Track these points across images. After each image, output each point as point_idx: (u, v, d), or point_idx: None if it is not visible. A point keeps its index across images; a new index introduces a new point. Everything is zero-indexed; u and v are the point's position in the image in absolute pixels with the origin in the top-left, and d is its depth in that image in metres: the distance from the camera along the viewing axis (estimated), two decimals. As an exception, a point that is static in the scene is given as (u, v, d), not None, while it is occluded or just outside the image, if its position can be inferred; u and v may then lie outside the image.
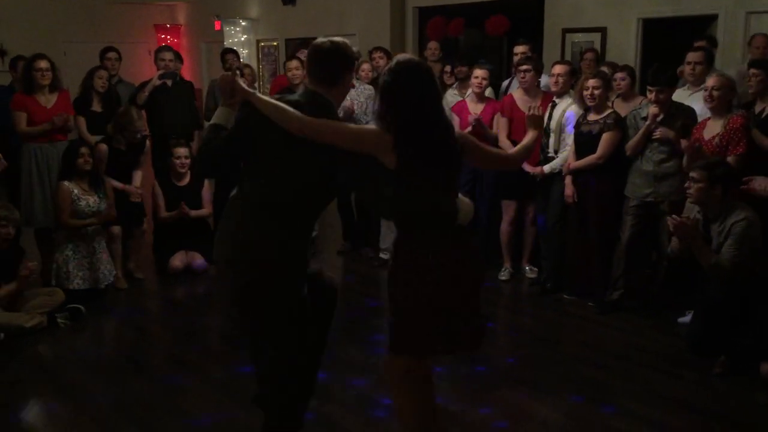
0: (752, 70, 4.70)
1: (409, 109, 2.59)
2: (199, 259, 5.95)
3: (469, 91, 5.86)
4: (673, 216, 4.05)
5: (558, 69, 5.24)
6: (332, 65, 2.60)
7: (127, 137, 5.56)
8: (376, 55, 6.92)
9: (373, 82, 6.64)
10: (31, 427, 3.54)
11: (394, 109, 2.60)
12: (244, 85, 2.70)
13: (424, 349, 2.83)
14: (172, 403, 3.72)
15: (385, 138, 2.58)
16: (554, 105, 5.28)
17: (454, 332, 2.79)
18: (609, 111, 4.90)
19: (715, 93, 4.45)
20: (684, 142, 4.43)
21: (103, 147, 5.56)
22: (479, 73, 5.66)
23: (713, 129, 4.50)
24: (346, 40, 2.64)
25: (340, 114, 6.03)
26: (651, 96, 4.62)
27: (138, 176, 5.79)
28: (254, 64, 10.26)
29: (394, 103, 2.61)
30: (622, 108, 5.16)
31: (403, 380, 2.86)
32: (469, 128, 5.59)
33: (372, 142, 2.62)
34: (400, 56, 2.73)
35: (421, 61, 2.76)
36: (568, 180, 5.03)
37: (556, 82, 5.22)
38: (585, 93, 4.87)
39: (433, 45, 7.42)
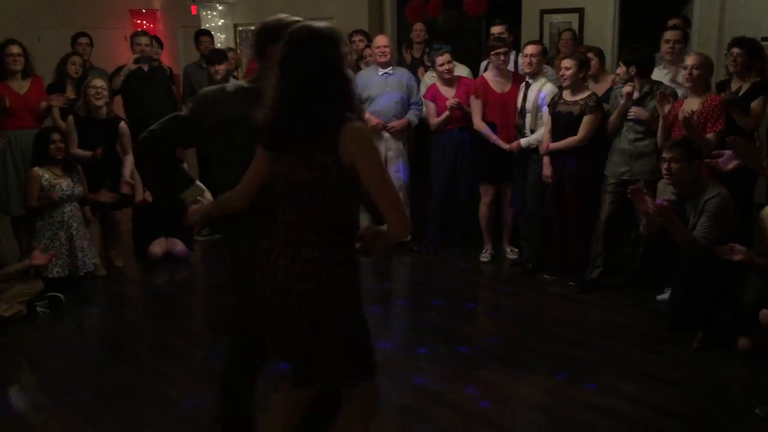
0: (734, 49, 4.69)
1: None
2: (179, 246, 5.92)
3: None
4: (641, 189, 4.08)
5: (530, 49, 5.23)
6: (258, 41, 2.59)
7: (88, 101, 5.44)
8: (357, 38, 6.87)
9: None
10: (13, 416, 3.52)
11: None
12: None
13: None
14: (153, 389, 3.71)
15: None
16: (528, 85, 5.27)
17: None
18: (589, 92, 4.90)
19: (694, 72, 4.46)
20: (681, 114, 4.38)
21: (69, 119, 5.49)
22: (441, 59, 5.62)
23: (691, 106, 4.51)
24: (283, 17, 2.55)
25: None
26: (621, 71, 4.64)
27: (129, 161, 5.61)
28: (232, 49, 10.15)
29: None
30: (595, 89, 5.16)
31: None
32: (447, 113, 5.58)
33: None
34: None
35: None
36: (546, 160, 5.04)
37: (530, 63, 5.20)
38: (560, 73, 4.90)
39: (418, 27, 7.32)
